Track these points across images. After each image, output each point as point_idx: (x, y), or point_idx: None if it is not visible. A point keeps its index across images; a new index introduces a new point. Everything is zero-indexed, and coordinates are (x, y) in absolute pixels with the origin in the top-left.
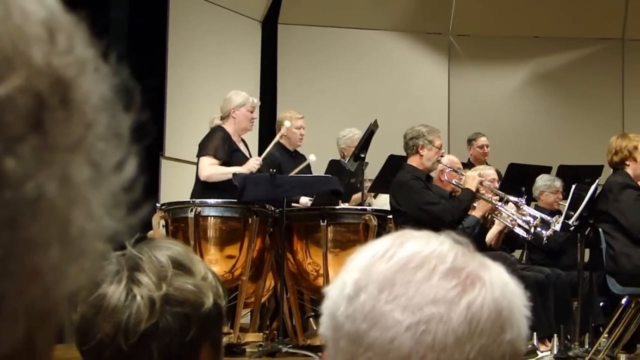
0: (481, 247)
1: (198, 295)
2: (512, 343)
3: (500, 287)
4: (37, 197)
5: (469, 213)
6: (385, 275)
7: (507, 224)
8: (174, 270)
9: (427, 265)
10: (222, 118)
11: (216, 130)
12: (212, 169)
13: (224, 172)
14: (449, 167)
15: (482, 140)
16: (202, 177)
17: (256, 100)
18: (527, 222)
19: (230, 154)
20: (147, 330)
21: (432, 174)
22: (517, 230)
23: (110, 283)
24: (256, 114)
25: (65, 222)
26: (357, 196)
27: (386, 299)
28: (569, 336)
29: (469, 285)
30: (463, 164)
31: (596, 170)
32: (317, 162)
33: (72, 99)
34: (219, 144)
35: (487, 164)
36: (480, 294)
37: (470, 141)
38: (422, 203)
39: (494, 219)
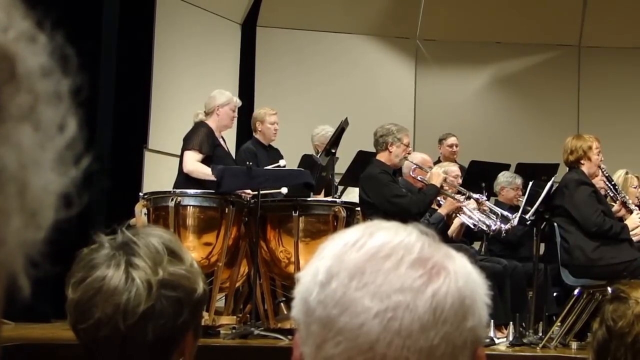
0: (443, 239)
1: (191, 281)
2: (474, 330)
3: (463, 277)
4: (0, 170)
5: (436, 210)
6: (356, 263)
7: (469, 223)
8: (168, 257)
9: (395, 255)
10: (206, 114)
11: (200, 126)
12: (196, 166)
13: (206, 173)
14: (415, 164)
15: (452, 140)
16: (185, 170)
17: (239, 101)
18: (488, 217)
19: (213, 149)
20: (145, 312)
21: (404, 170)
22: (479, 224)
23: (107, 266)
24: (236, 113)
25: (22, 188)
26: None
27: (356, 286)
28: (524, 324)
29: (435, 275)
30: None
31: (552, 169)
32: (291, 157)
33: (19, 72)
34: (204, 139)
35: (456, 162)
36: (445, 283)
37: (441, 140)
38: (390, 195)
39: (458, 216)
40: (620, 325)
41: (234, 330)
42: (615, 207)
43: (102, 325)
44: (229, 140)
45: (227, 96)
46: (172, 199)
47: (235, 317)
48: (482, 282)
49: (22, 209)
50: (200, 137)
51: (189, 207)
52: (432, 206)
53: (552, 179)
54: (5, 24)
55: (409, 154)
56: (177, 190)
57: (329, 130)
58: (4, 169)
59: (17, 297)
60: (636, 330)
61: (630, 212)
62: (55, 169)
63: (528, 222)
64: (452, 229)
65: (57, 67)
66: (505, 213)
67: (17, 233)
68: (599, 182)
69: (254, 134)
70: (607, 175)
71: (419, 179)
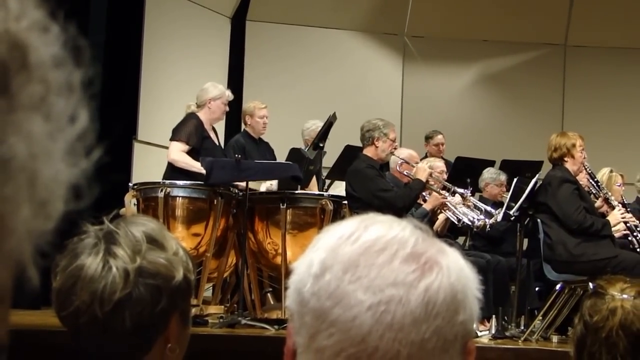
0: None
1: (169, 268)
2: (465, 324)
3: (456, 272)
4: (10, 158)
5: (421, 205)
6: (350, 256)
7: (453, 219)
8: (148, 245)
9: (389, 249)
10: (198, 106)
11: (190, 118)
12: (180, 156)
13: (189, 164)
14: (401, 159)
15: (439, 138)
16: (169, 159)
17: (231, 94)
18: (472, 212)
19: (201, 141)
20: (121, 300)
21: (391, 165)
22: (463, 219)
23: (88, 255)
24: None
25: (32, 178)
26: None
27: (350, 279)
28: (506, 317)
29: (427, 270)
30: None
31: (536, 166)
32: (280, 150)
33: (31, 61)
34: (192, 131)
35: (443, 158)
36: (438, 278)
37: (427, 138)
38: (376, 190)
39: (442, 212)
40: (595, 319)
41: (221, 320)
42: (598, 202)
43: (81, 312)
44: (218, 133)
45: (220, 90)
46: (162, 190)
47: (222, 306)
48: (474, 277)
49: (32, 198)
50: (189, 129)
51: (178, 198)
52: (418, 201)
53: (537, 175)
54: (18, 12)
55: (395, 149)
56: (167, 181)
57: (319, 125)
58: (14, 158)
59: (26, 286)
60: (609, 325)
61: (613, 208)
62: (65, 160)
63: (512, 218)
64: (438, 224)
65: (70, 58)
66: (489, 209)
67: (27, 222)
68: (582, 179)
69: (243, 127)
70: (590, 172)
71: (405, 173)
